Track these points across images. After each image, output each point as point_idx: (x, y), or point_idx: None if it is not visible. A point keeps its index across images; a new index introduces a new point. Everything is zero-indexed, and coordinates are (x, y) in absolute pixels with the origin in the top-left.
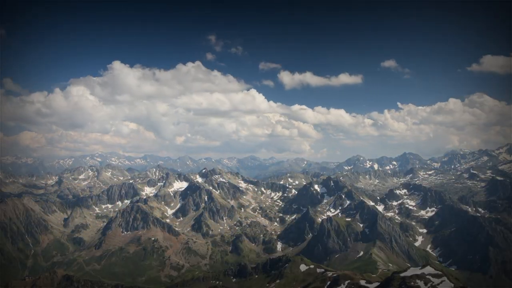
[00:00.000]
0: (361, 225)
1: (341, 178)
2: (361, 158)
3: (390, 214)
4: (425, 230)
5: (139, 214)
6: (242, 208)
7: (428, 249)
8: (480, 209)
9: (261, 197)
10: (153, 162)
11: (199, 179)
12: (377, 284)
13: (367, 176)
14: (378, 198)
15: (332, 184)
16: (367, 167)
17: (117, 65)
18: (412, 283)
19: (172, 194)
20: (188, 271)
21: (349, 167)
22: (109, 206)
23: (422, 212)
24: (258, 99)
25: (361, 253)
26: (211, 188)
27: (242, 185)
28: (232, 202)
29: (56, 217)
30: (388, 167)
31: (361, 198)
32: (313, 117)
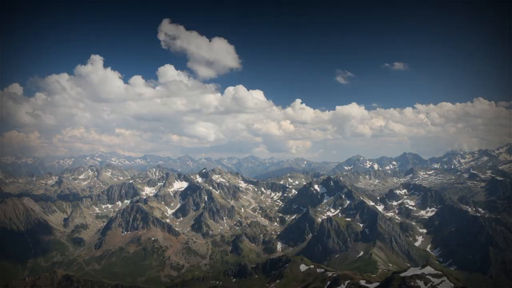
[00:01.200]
0: (361, 225)
1: (341, 178)
2: (361, 158)
3: (390, 214)
4: (425, 230)
5: (139, 214)
6: (242, 208)
7: (428, 249)
8: (480, 209)
9: (261, 197)
10: (153, 162)
11: (199, 179)
12: (377, 284)
13: (367, 176)
14: (378, 198)
15: (332, 184)
16: (367, 167)
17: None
18: (412, 283)
19: (172, 194)
20: (188, 271)
21: (349, 167)
22: (109, 206)
23: (422, 212)
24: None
25: (361, 253)
26: (211, 188)
27: (242, 185)
28: (232, 202)
29: (56, 217)
30: (388, 167)
31: (361, 198)
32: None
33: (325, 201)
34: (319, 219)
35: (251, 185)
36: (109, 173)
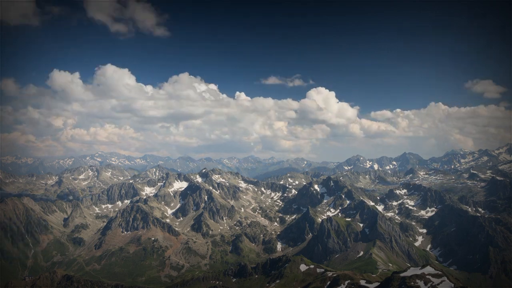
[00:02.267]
0: (361, 225)
1: (341, 178)
2: (361, 158)
3: (390, 214)
4: (425, 230)
5: (139, 214)
6: (242, 208)
7: (428, 249)
8: (480, 209)
9: (261, 197)
10: (153, 162)
11: (199, 179)
12: (377, 284)
13: (367, 176)
14: (378, 198)
15: (332, 184)
16: (367, 167)
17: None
18: (412, 283)
19: (172, 194)
20: (188, 271)
21: (349, 167)
22: (109, 206)
23: (422, 212)
24: None
25: (361, 253)
26: (211, 188)
27: (242, 185)
28: (232, 202)
29: (56, 217)
30: (388, 167)
31: (361, 198)
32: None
33: (325, 201)
34: (319, 219)
35: (251, 185)
36: (109, 173)
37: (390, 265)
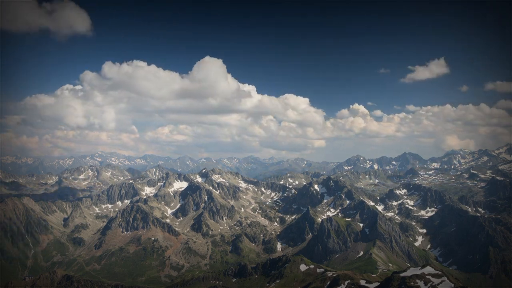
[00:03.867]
0: (361, 225)
1: (341, 178)
2: (361, 158)
3: (390, 214)
4: (425, 230)
5: (139, 214)
6: (242, 208)
7: (428, 249)
8: (480, 209)
9: (261, 197)
10: (153, 162)
11: (199, 179)
12: (377, 284)
13: (367, 176)
14: (378, 198)
15: (332, 184)
16: (367, 167)
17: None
18: (412, 283)
19: (172, 194)
20: (188, 271)
21: (349, 167)
22: (109, 206)
23: (422, 212)
24: None
25: (361, 253)
26: (211, 188)
27: (242, 185)
28: (232, 202)
29: (56, 217)
30: (388, 167)
31: (361, 198)
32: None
33: (325, 201)
34: (319, 219)
35: (251, 185)
36: (109, 173)
37: (390, 265)
